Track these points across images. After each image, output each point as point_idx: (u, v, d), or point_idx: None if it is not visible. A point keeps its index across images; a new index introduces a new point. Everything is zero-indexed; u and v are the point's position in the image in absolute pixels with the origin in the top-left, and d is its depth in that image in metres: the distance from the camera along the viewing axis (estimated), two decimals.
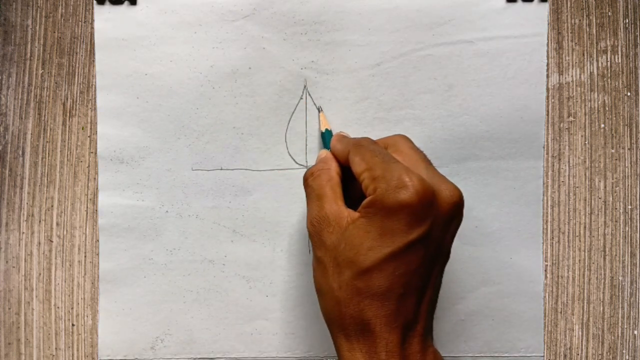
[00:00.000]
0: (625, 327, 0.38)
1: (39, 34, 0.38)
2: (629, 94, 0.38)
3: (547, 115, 0.38)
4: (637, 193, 0.38)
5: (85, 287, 0.38)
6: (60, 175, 0.38)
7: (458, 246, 0.38)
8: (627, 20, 0.38)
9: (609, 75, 0.38)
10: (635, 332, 0.38)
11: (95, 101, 0.38)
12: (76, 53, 0.38)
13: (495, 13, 0.37)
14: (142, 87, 0.38)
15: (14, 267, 0.38)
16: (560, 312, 0.38)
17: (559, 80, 0.38)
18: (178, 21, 0.38)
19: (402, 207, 0.26)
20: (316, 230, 0.30)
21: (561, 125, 0.38)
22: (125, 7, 0.38)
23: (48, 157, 0.38)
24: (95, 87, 0.38)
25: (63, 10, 0.38)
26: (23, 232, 0.38)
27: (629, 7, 0.38)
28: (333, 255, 0.28)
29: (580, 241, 0.38)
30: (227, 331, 0.38)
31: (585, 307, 0.38)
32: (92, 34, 0.38)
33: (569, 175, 0.38)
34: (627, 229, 0.38)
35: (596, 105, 0.38)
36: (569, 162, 0.38)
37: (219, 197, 0.38)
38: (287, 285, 0.38)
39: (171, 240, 0.38)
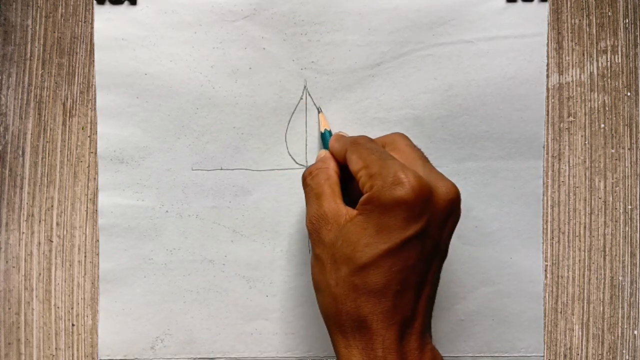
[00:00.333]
0: (625, 327, 0.38)
1: (39, 34, 0.38)
2: (629, 94, 0.38)
3: (547, 115, 0.38)
4: (637, 193, 0.38)
5: (85, 287, 0.38)
6: (60, 175, 0.38)
7: (458, 246, 0.38)
8: (627, 20, 0.38)
9: (609, 75, 0.38)
10: (635, 332, 0.38)
11: (95, 101, 0.38)
12: (76, 53, 0.38)
13: (495, 13, 0.37)
14: (142, 87, 0.38)
15: (14, 267, 0.38)
16: (560, 312, 0.38)
17: (559, 80, 0.38)
18: (178, 21, 0.38)
19: (398, 203, 0.27)
20: (315, 228, 0.30)
21: (561, 125, 0.38)
22: (125, 7, 0.38)
23: (48, 157, 0.38)
24: (95, 87, 0.38)
25: (63, 10, 0.38)
26: (23, 232, 0.38)
27: (629, 7, 0.38)
28: (331, 252, 0.29)
29: (580, 241, 0.38)
30: (227, 331, 0.38)
31: (585, 307, 0.38)
32: (92, 34, 0.38)
33: (569, 175, 0.38)
34: (627, 229, 0.38)
35: (596, 105, 0.38)
36: (569, 162, 0.38)
37: (219, 197, 0.38)
38: (287, 285, 0.38)
39: (171, 240, 0.38)
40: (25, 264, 0.38)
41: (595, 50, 0.38)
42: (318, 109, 0.37)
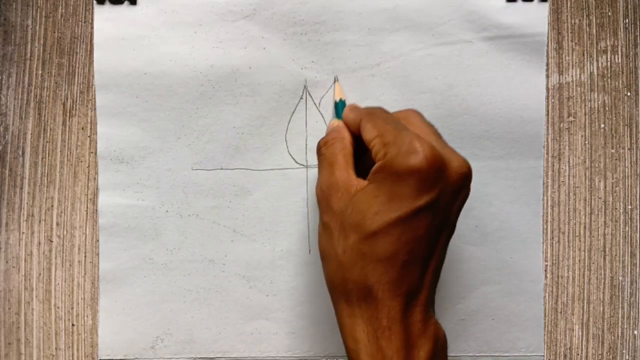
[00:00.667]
0: (625, 327, 0.38)
1: (39, 34, 0.38)
2: (629, 94, 0.38)
3: (547, 115, 0.38)
4: (637, 193, 0.38)
5: (85, 287, 0.38)
6: (60, 175, 0.38)
7: (458, 246, 0.38)
8: (627, 20, 0.38)
9: (609, 75, 0.38)
10: (635, 332, 0.38)
11: (95, 101, 0.38)
12: (76, 53, 0.38)
13: (495, 13, 0.37)
14: (142, 86, 0.38)
15: (14, 267, 0.38)
16: (560, 312, 0.38)
17: (559, 80, 0.38)
18: (178, 21, 0.38)
19: (411, 172, 0.26)
20: (325, 196, 0.30)
21: (561, 125, 0.38)
22: (125, 7, 0.38)
23: (48, 157, 0.38)
24: (95, 87, 0.38)
25: (63, 10, 0.38)
26: (23, 232, 0.38)
27: (629, 7, 0.38)
28: (339, 220, 0.28)
29: (580, 241, 0.38)
30: (227, 331, 0.38)
31: (585, 307, 0.38)
32: (92, 34, 0.38)
33: (569, 175, 0.38)
34: (627, 229, 0.38)
35: (596, 105, 0.38)
36: (569, 162, 0.38)
37: (219, 196, 0.38)
38: (287, 285, 0.38)
39: (171, 240, 0.38)
40: (25, 264, 0.38)
41: (595, 50, 0.38)
42: (335, 78, 0.37)
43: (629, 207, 0.38)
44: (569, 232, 0.38)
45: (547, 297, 0.38)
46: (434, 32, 0.38)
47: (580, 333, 0.38)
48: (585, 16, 0.38)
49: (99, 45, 0.38)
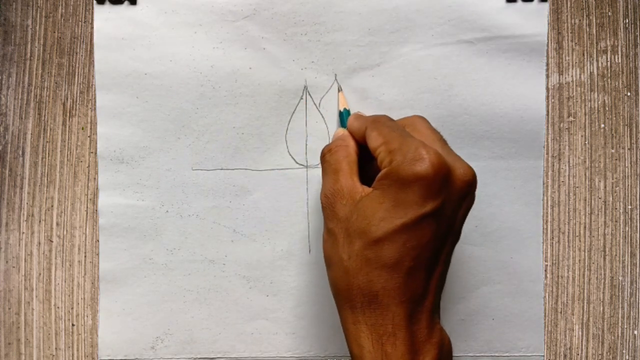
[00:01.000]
0: (625, 327, 0.38)
1: (39, 34, 0.38)
2: (629, 94, 0.38)
3: (547, 115, 0.38)
4: (637, 193, 0.38)
5: (85, 287, 0.38)
6: (60, 175, 0.38)
7: (458, 246, 0.38)
8: (627, 20, 0.38)
9: (609, 75, 0.38)
10: (635, 332, 0.38)
11: (95, 101, 0.38)
12: (76, 53, 0.38)
13: (495, 13, 0.37)
14: (142, 87, 0.38)
15: (14, 267, 0.38)
16: (560, 312, 0.38)
17: (559, 80, 0.38)
18: (178, 21, 0.38)
19: (417, 179, 0.27)
20: (329, 202, 0.30)
21: (561, 125, 0.38)
22: (125, 7, 0.38)
23: (48, 157, 0.38)
24: (95, 87, 0.38)
25: (63, 10, 0.38)
26: (23, 232, 0.38)
27: (629, 7, 0.38)
28: (345, 226, 0.29)
29: (580, 241, 0.38)
30: (227, 331, 0.38)
31: (585, 307, 0.38)
32: (92, 34, 0.38)
33: (569, 175, 0.38)
34: (627, 229, 0.38)
35: (596, 105, 0.38)
36: (569, 162, 0.38)
37: (219, 197, 0.38)
38: (287, 285, 0.38)
39: (171, 240, 0.38)
40: (25, 264, 0.38)
41: (595, 50, 0.38)
42: (338, 88, 0.37)
43: (629, 207, 0.38)
44: (569, 232, 0.38)
45: (547, 297, 0.38)
46: (434, 32, 0.38)
47: (580, 333, 0.38)
48: (585, 16, 0.38)
49: (99, 46, 0.38)
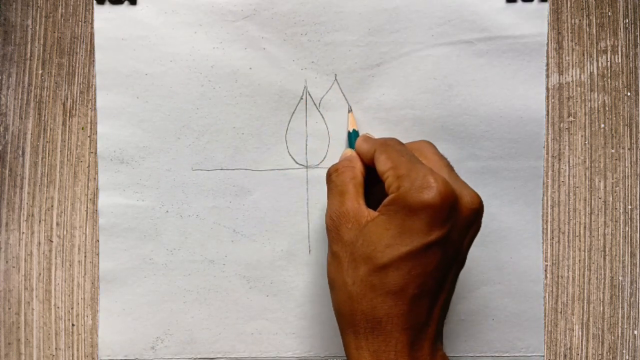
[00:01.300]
0: (625, 327, 0.38)
1: (39, 34, 0.38)
2: (629, 94, 0.38)
3: (547, 115, 0.38)
4: (637, 193, 0.38)
5: (85, 287, 0.38)
6: (60, 175, 0.38)
7: None
8: (627, 20, 0.38)
9: (609, 75, 0.38)
10: (635, 332, 0.38)
11: (95, 101, 0.38)
12: (76, 53, 0.38)
13: (495, 13, 0.37)
14: (142, 87, 0.38)
15: (14, 267, 0.38)
16: (560, 312, 0.38)
17: (559, 80, 0.38)
18: (178, 21, 0.38)
19: (424, 207, 0.27)
20: (335, 225, 0.30)
21: (561, 125, 0.38)
22: (125, 7, 0.38)
23: (48, 157, 0.38)
24: (95, 87, 0.38)
25: (63, 10, 0.38)
26: (23, 232, 0.38)
27: (629, 7, 0.38)
28: (350, 250, 0.28)
29: (580, 241, 0.38)
30: (227, 331, 0.38)
31: (585, 307, 0.38)
32: (92, 34, 0.38)
33: (569, 175, 0.38)
34: (627, 229, 0.38)
35: (596, 105, 0.38)
36: (569, 162, 0.38)
37: (219, 197, 0.38)
38: (287, 285, 0.38)
39: (171, 240, 0.38)
40: (25, 264, 0.38)
41: (595, 50, 0.38)
42: (349, 108, 0.37)
43: (629, 207, 0.38)
44: (569, 232, 0.38)
45: (547, 297, 0.38)
46: (434, 32, 0.38)
47: (580, 333, 0.38)
48: (585, 16, 0.38)
49: (99, 46, 0.38)
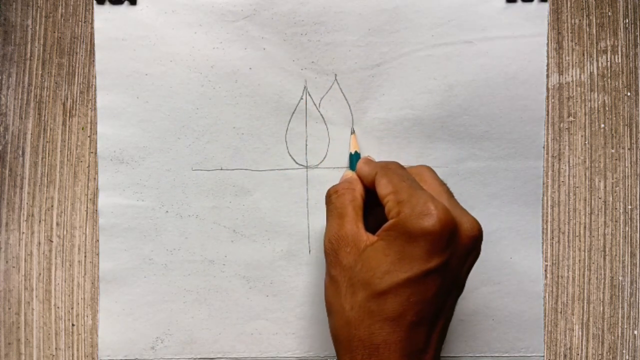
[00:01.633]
0: (625, 327, 0.38)
1: (39, 34, 0.38)
2: (629, 94, 0.38)
3: (547, 115, 0.38)
4: (637, 193, 0.38)
5: (85, 287, 0.38)
6: (60, 175, 0.38)
7: None
8: (627, 20, 0.38)
9: (609, 75, 0.38)
10: (635, 332, 0.38)
11: (95, 101, 0.38)
12: (76, 53, 0.38)
13: (495, 13, 0.37)
14: (142, 87, 0.38)
15: (14, 267, 0.38)
16: (560, 312, 0.38)
17: (559, 80, 0.38)
18: (178, 21, 0.38)
19: (424, 234, 0.27)
20: (333, 249, 0.30)
21: (561, 125, 0.38)
22: (125, 7, 0.38)
23: (48, 157, 0.38)
24: (95, 87, 0.38)
25: (63, 10, 0.38)
26: (23, 232, 0.38)
27: (629, 7, 0.38)
28: (348, 275, 0.28)
29: (580, 241, 0.38)
30: (227, 331, 0.38)
31: (585, 307, 0.38)
32: (92, 34, 0.38)
33: (569, 175, 0.38)
34: (627, 229, 0.38)
35: (596, 105, 0.38)
36: (569, 162, 0.38)
37: (219, 197, 0.38)
38: (287, 285, 0.38)
39: (171, 240, 0.38)
40: (25, 264, 0.38)
41: (595, 50, 0.38)
42: (352, 130, 0.37)
43: (629, 207, 0.38)
44: (569, 232, 0.38)
45: (547, 297, 0.38)
46: (434, 32, 0.38)
47: (580, 333, 0.38)
48: (585, 16, 0.38)
49: (99, 46, 0.38)
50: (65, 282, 0.38)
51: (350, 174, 0.34)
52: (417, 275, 0.27)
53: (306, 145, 0.38)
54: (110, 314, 0.38)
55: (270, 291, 0.38)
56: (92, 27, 0.38)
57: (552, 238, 0.38)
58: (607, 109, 0.38)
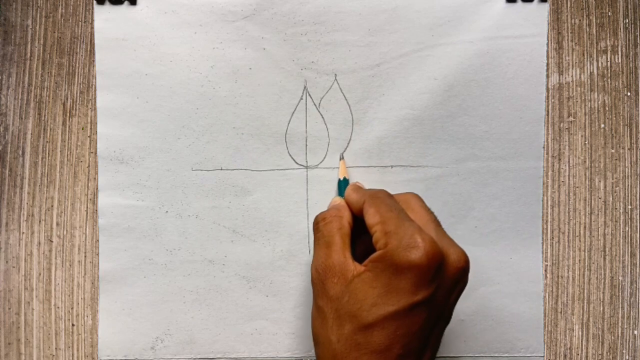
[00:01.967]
0: (625, 327, 0.38)
1: (39, 34, 0.38)
2: (629, 94, 0.38)
3: (547, 115, 0.38)
4: (637, 193, 0.38)
5: (85, 287, 0.38)
6: (60, 175, 0.38)
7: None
8: (627, 20, 0.38)
9: (609, 75, 0.38)
10: (635, 332, 0.38)
11: (95, 101, 0.38)
12: (76, 53, 0.38)
13: (495, 13, 0.37)
14: (142, 87, 0.38)
15: (14, 267, 0.38)
16: (560, 312, 0.38)
17: (559, 80, 0.38)
18: (178, 21, 0.38)
19: (411, 266, 0.27)
20: (320, 278, 0.30)
21: (561, 125, 0.38)
22: (125, 7, 0.38)
23: (48, 157, 0.38)
24: (95, 87, 0.38)
25: (63, 10, 0.38)
26: (23, 232, 0.38)
27: (629, 7, 0.38)
28: (335, 306, 0.28)
29: (580, 241, 0.38)
30: (227, 331, 0.38)
31: (585, 307, 0.38)
32: (92, 34, 0.38)
33: (569, 175, 0.38)
34: (627, 229, 0.38)
35: (596, 105, 0.38)
36: (569, 162, 0.38)
37: (219, 197, 0.38)
38: (287, 285, 0.38)
39: (171, 240, 0.38)
40: (25, 264, 0.38)
41: (595, 50, 0.38)
42: (340, 156, 0.38)
43: (629, 207, 0.38)
44: (569, 232, 0.38)
45: (547, 297, 0.38)
46: (434, 32, 0.38)
47: (580, 333, 0.38)
48: (585, 16, 0.38)
49: (99, 46, 0.38)
50: (65, 282, 0.38)
51: (339, 200, 0.34)
52: (404, 308, 0.27)
53: (306, 145, 0.38)
54: (110, 314, 0.38)
55: (270, 291, 0.38)
56: (92, 27, 0.38)
57: (552, 238, 0.38)
58: (607, 109, 0.38)
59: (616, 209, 0.38)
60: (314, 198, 0.38)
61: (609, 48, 0.38)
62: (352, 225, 0.32)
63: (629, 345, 0.38)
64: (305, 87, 0.38)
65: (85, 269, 0.38)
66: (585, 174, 0.38)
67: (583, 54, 0.38)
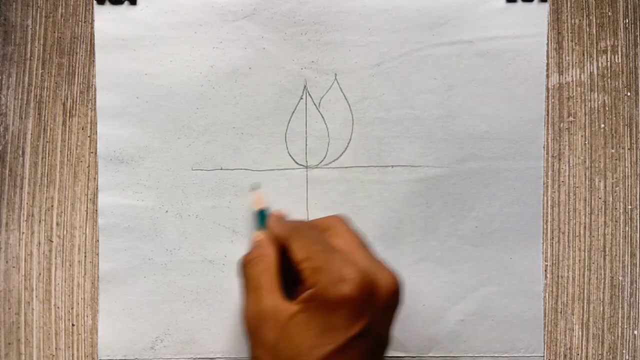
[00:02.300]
0: (625, 327, 0.38)
1: (39, 34, 0.38)
2: (629, 94, 0.38)
3: (547, 115, 0.38)
4: (637, 193, 0.38)
5: (85, 287, 0.38)
6: (60, 175, 0.38)
7: (458, 246, 0.38)
8: (627, 20, 0.38)
9: (609, 75, 0.38)
10: (635, 332, 0.38)
11: (95, 101, 0.38)
12: (76, 53, 0.38)
13: (495, 13, 0.37)
14: (142, 87, 0.38)
15: (14, 267, 0.38)
16: (560, 312, 0.38)
17: (559, 80, 0.38)
18: (178, 21, 0.38)
19: (343, 301, 0.27)
20: (253, 327, 0.29)
21: (561, 125, 0.38)
22: (125, 7, 0.38)
23: (48, 157, 0.38)
24: (95, 87, 0.38)
25: (63, 10, 0.38)
26: (23, 232, 0.38)
27: (629, 7, 0.38)
28: (272, 354, 0.28)
29: (580, 241, 0.38)
30: (227, 331, 0.38)
31: (585, 307, 0.38)
32: (92, 34, 0.38)
33: (569, 175, 0.38)
34: (627, 229, 0.38)
35: (596, 105, 0.38)
36: (569, 162, 0.38)
37: (219, 197, 0.38)
38: None
39: (171, 240, 0.38)
40: (25, 264, 0.38)
41: (595, 50, 0.38)
42: (252, 186, 0.37)
43: (629, 207, 0.38)
44: (569, 232, 0.38)
45: (547, 297, 0.38)
46: (434, 32, 0.38)
47: (580, 333, 0.38)
48: (585, 16, 0.38)
49: (99, 46, 0.38)
50: (65, 282, 0.38)
51: (260, 236, 0.33)
52: (342, 345, 0.27)
53: (306, 145, 0.38)
54: (110, 314, 0.38)
55: None
56: (92, 27, 0.38)
57: (552, 238, 0.38)
58: (607, 109, 0.38)
59: (616, 209, 0.38)
60: (314, 198, 0.38)
61: (609, 48, 0.38)
62: (280, 259, 0.31)
63: (629, 345, 0.38)
64: (305, 87, 0.38)
65: (85, 269, 0.38)
66: (585, 174, 0.38)
67: (583, 54, 0.38)
